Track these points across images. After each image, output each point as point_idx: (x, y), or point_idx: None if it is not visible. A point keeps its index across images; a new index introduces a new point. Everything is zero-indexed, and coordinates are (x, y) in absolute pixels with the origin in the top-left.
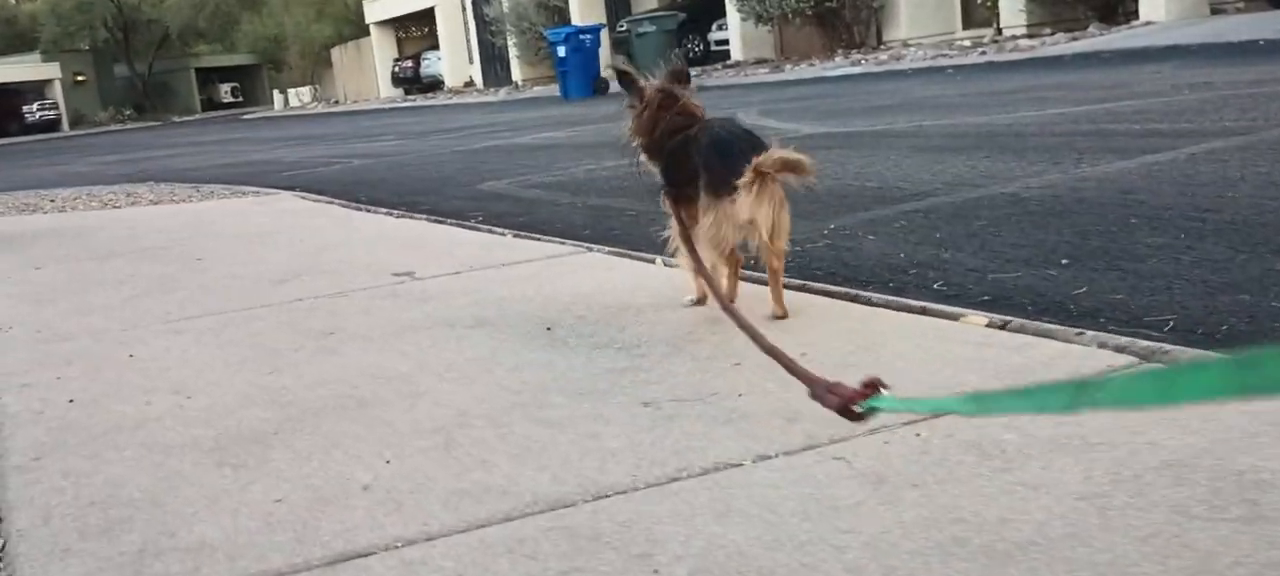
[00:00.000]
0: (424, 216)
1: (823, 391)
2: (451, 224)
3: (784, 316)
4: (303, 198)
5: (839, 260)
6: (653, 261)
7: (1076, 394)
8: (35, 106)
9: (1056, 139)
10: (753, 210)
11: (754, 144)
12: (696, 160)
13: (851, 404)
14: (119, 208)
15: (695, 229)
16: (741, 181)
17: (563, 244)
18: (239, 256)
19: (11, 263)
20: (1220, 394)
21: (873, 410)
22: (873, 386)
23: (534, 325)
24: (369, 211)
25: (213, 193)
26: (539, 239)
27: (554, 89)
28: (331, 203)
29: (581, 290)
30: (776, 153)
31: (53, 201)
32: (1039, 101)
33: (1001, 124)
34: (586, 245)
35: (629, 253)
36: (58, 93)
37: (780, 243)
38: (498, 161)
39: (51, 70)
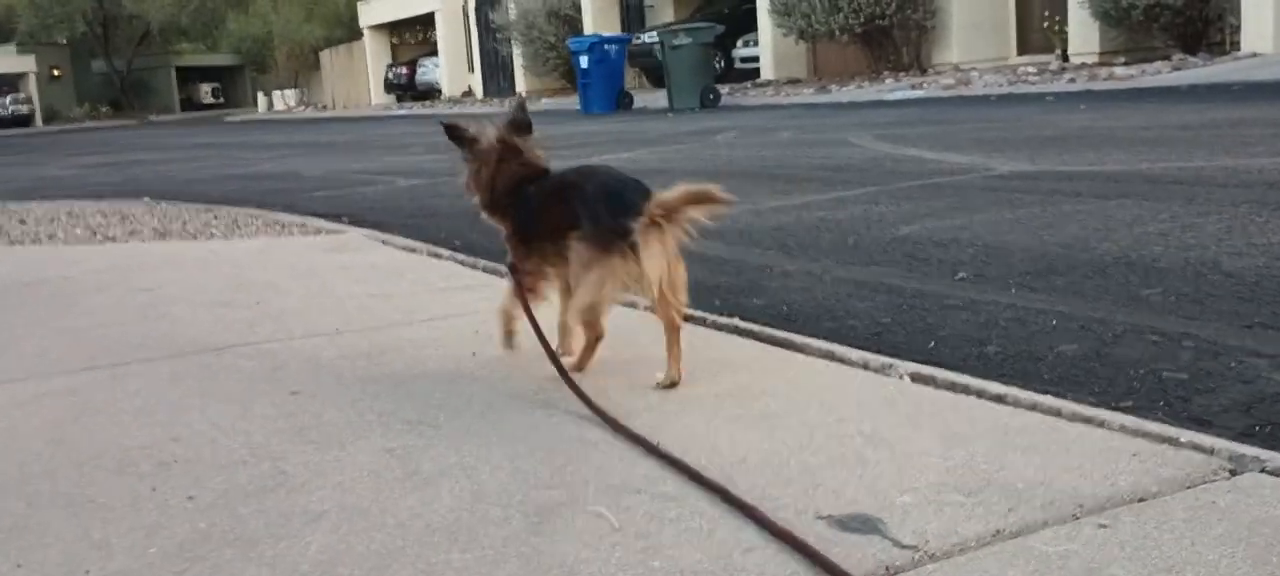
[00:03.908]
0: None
1: None
2: (713, 326)
3: (679, 382)
4: (387, 241)
5: None
6: None
7: None
8: (8, 100)
9: None
10: (647, 265)
11: (640, 190)
12: (577, 209)
13: None
14: (115, 240)
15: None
16: (636, 230)
17: (1054, 408)
18: (375, 386)
19: None
20: None
21: None
22: None
23: None
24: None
25: (237, 222)
26: (978, 390)
27: (563, 101)
28: (439, 254)
29: None
30: (679, 187)
31: (23, 222)
32: None
33: None
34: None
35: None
36: (32, 86)
37: (681, 297)
38: None
39: (27, 63)
